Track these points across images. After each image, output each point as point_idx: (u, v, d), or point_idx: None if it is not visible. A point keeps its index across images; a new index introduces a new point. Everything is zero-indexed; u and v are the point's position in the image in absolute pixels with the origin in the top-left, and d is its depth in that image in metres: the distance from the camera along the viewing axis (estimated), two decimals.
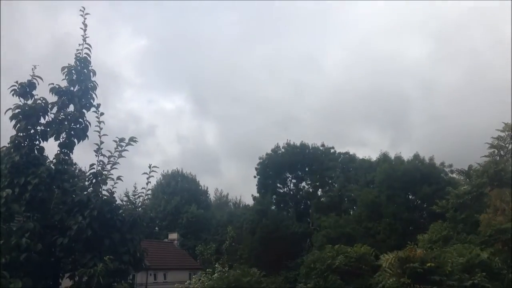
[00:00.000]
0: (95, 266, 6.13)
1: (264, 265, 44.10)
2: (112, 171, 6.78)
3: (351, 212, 50.37)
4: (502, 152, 29.82)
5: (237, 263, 46.49)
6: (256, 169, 57.91)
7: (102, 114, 6.89)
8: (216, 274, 40.81)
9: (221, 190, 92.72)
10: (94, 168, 6.85)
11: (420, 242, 29.70)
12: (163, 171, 76.09)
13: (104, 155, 6.85)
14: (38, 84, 6.73)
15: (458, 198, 30.99)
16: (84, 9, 6.86)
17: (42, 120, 6.71)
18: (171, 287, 43.79)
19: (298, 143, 58.49)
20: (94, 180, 6.76)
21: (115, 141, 6.82)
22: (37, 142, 6.70)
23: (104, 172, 6.77)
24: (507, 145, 29.45)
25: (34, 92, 6.75)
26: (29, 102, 6.67)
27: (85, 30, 6.97)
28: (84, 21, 6.97)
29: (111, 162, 6.81)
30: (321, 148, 59.05)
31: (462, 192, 30.88)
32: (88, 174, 6.90)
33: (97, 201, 6.43)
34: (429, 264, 19.89)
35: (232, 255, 53.96)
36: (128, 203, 7.57)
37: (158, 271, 47.87)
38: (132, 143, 6.86)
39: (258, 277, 31.13)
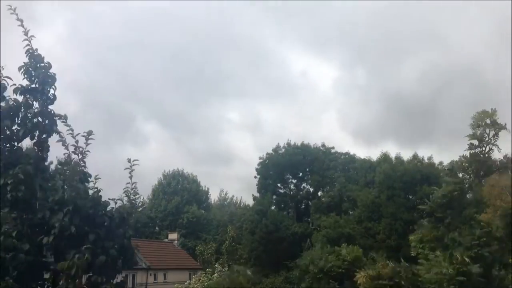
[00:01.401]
0: (76, 258, 6.13)
1: (264, 265, 44.24)
2: (85, 159, 6.79)
3: (351, 212, 50.30)
4: (483, 142, 29.16)
5: (237, 263, 46.55)
6: (256, 169, 57.99)
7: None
8: (216, 274, 40.94)
9: (226, 192, 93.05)
10: (62, 160, 6.91)
11: (413, 243, 29.41)
12: (164, 171, 76.27)
13: (74, 145, 6.85)
14: (8, 85, 6.72)
15: (443, 198, 30.71)
16: (11, 6, 6.82)
17: (17, 121, 6.72)
18: (171, 287, 43.87)
19: (299, 143, 58.60)
20: (67, 173, 6.76)
21: (83, 136, 6.85)
22: (14, 143, 6.70)
23: (74, 166, 6.77)
24: (489, 132, 28.83)
25: (5, 94, 6.76)
26: (3, 104, 6.69)
27: (22, 25, 6.86)
28: (17, 17, 6.87)
29: (79, 152, 6.82)
30: (321, 148, 59.07)
31: (447, 191, 30.60)
32: (61, 168, 6.92)
33: (73, 196, 6.44)
34: (400, 281, 20.59)
35: (232, 255, 54.04)
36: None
37: (158, 271, 47.95)
38: (91, 136, 6.90)
39: (257, 277, 31.10)
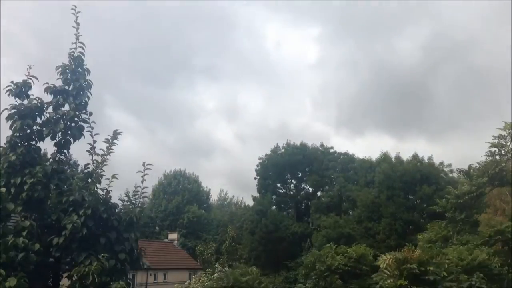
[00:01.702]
0: (91, 264, 6.15)
1: (264, 265, 44.25)
2: (104, 168, 6.80)
3: (351, 213, 50.38)
4: (503, 151, 29.68)
5: (237, 263, 46.52)
6: (256, 169, 58.07)
7: (91, 114, 6.93)
8: (216, 274, 40.88)
9: (226, 191, 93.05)
10: (89, 168, 6.90)
11: (420, 242, 29.66)
12: (165, 171, 76.17)
13: (98, 154, 6.88)
14: (34, 84, 6.76)
15: (458, 198, 30.93)
16: (76, 7, 6.89)
17: (38, 120, 6.73)
18: (171, 287, 43.86)
19: (298, 143, 58.63)
20: (89, 180, 6.79)
21: (107, 139, 6.86)
22: (34, 142, 6.73)
23: (97, 171, 6.80)
24: (507, 144, 29.31)
25: (29, 92, 6.78)
26: (25, 102, 6.70)
27: (77, 29, 6.99)
28: (76, 19, 6.99)
29: (103, 160, 6.84)
30: (320, 148, 59.09)
31: (462, 192, 30.82)
32: (83, 173, 6.94)
33: (91, 200, 6.46)
34: (429, 268, 19.88)
35: (232, 255, 54.02)
36: (128, 203, 7.60)
37: (158, 271, 47.90)
38: (118, 136, 6.91)
39: (257, 277, 31.12)
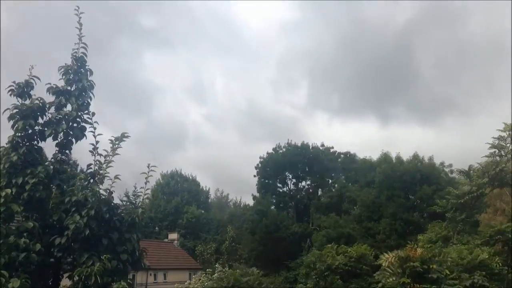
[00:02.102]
0: (93, 265, 6.13)
1: (264, 265, 44.22)
2: (108, 170, 6.77)
3: (351, 212, 50.38)
4: (503, 152, 29.79)
5: (237, 263, 46.49)
6: (256, 168, 58.05)
7: (93, 114, 6.92)
8: (216, 274, 40.86)
9: (221, 191, 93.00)
10: (91, 168, 6.88)
11: (421, 242, 29.70)
12: (162, 171, 76.11)
13: (100, 155, 6.86)
14: (36, 84, 6.74)
15: (458, 198, 30.97)
16: (79, 8, 6.88)
17: (40, 120, 6.73)
18: (171, 287, 43.85)
19: (299, 143, 58.64)
20: (91, 180, 6.76)
21: (110, 140, 6.83)
22: (35, 142, 6.72)
23: (101, 171, 6.77)
24: (507, 145, 29.42)
25: (31, 92, 6.78)
26: (27, 102, 6.69)
27: (80, 29, 6.97)
28: (79, 20, 6.98)
29: (107, 161, 6.81)
30: (321, 148, 59.08)
31: (462, 192, 30.85)
32: (86, 173, 6.92)
33: (94, 201, 6.43)
34: (432, 266, 19.87)
35: (232, 255, 54.01)
36: (128, 203, 7.56)
37: (158, 271, 47.89)
38: (124, 139, 6.88)
39: (257, 277, 31.11)
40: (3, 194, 5.88)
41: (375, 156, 54.46)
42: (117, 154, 6.82)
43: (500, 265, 23.34)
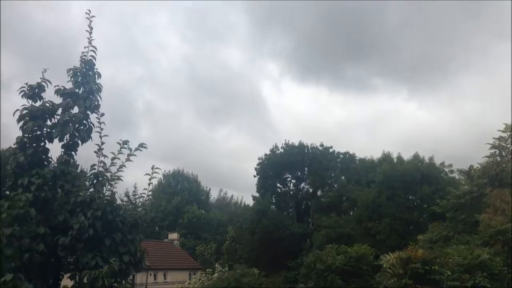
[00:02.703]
0: (97, 266, 6.14)
1: (264, 265, 44.19)
2: (118, 173, 6.80)
3: (351, 212, 50.39)
4: (503, 153, 29.90)
5: (237, 263, 46.51)
6: (255, 169, 58.05)
7: (102, 115, 6.96)
8: (216, 274, 40.90)
9: (225, 191, 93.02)
10: (95, 169, 6.90)
11: (421, 242, 29.75)
12: (164, 171, 76.16)
13: (105, 156, 6.88)
14: (47, 86, 6.81)
15: (458, 198, 31.05)
16: (90, 11, 6.93)
17: (49, 122, 6.77)
18: (171, 287, 43.85)
19: (296, 143, 58.59)
20: (95, 181, 6.78)
21: (118, 143, 6.85)
22: (42, 144, 6.76)
23: (106, 174, 6.80)
24: (508, 146, 29.53)
25: (42, 95, 6.84)
26: (37, 104, 6.75)
27: (90, 33, 7.03)
28: (90, 23, 7.03)
29: (115, 164, 6.83)
30: (319, 148, 59.07)
31: (462, 192, 30.93)
32: (89, 174, 6.93)
33: (100, 202, 6.46)
34: (434, 267, 19.89)
35: (232, 255, 54.03)
36: (128, 203, 7.59)
37: (158, 271, 47.87)
38: (141, 148, 6.91)
39: (258, 277, 31.16)
40: (23, 198, 5.92)
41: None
42: (130, 161, 6.86)
43: (501, 265, 23.40)
